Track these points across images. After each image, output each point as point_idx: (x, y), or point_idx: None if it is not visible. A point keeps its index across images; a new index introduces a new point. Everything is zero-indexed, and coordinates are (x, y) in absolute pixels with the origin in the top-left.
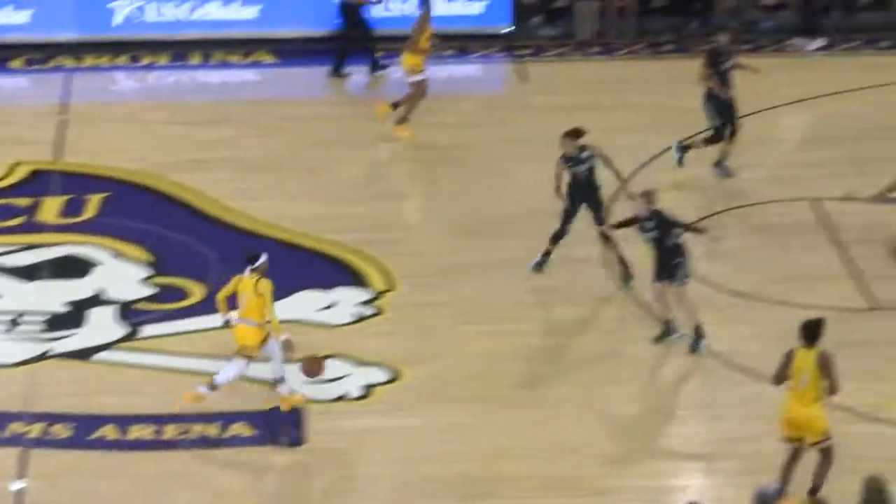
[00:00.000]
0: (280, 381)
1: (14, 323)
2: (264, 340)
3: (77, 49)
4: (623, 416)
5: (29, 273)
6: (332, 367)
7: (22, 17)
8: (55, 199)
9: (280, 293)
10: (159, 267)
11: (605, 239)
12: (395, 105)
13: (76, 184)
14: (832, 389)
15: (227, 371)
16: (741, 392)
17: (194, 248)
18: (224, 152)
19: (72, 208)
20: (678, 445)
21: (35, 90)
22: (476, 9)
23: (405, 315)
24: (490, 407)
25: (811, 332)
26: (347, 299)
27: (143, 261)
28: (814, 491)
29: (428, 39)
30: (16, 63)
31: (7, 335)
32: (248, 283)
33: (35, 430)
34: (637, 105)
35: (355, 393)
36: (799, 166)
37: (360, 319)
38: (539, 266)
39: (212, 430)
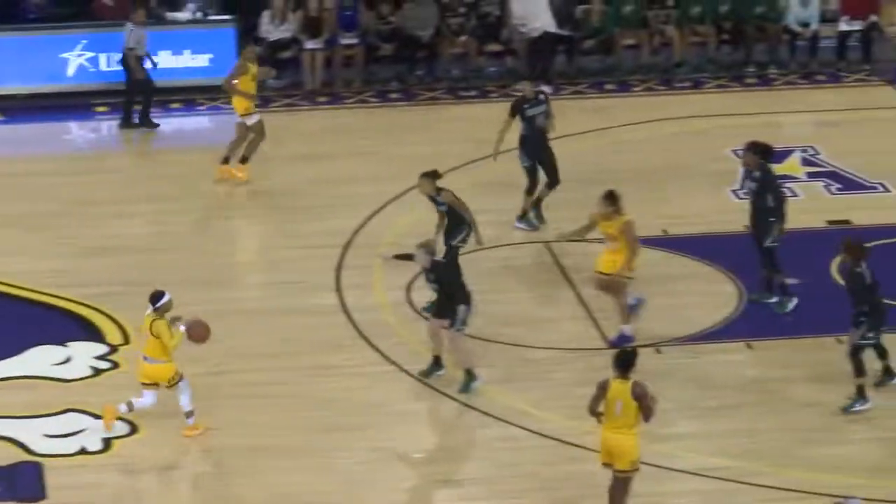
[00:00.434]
0: (189, 414)
1: None
2: (176, 380)
3: None
4: (355, 461)
5: None
6: (69, 422)
7: None
8: None
9: (14, 349)
10: None
11: None
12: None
13: None
14: (646, 417)
15: (145, 399)
16: (485, 434)
17: None
18: None
19: None
20: (419, 487)
21: None
22: (202, 61)
23: None
24: (228, 456)
25: (624, 362)
26: (83, 353)
27: None
28: None
29: (253, 79)
30: None
31: None
32: (147, 323)
33: None
34: (366, 153)
35: (94, 447)
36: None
37: (97, 373)
38: None
39: None
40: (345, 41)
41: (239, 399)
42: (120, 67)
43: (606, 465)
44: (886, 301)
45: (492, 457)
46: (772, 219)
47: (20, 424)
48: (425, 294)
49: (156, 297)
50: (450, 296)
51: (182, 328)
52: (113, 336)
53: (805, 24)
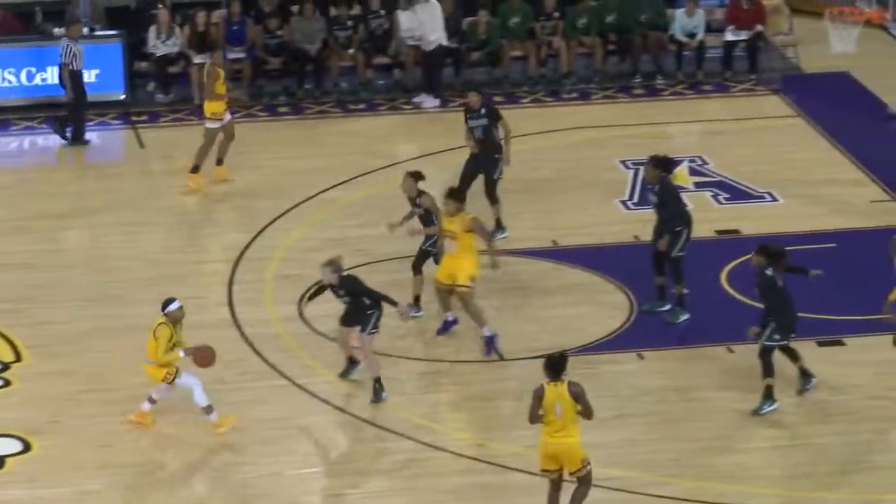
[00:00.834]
0: (207, 410)
1: None
2: (171, 377)
3: None
4: (250, 477)
5: None
6: None
7: None
8: None
9: None
10: None
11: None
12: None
13: None
14: (587, 415)
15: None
16: (379, 447)
17: None
18: None
19: None
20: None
21: None
22: (90, 76)
23: (33, 385)
24: (123, 472)
25: (556, 366)
26: None
27: None
28: None
29: (223, 85)
30: None
31: None
32: (153, 326)
33: None
34: (256, 167)
35: None
36: None
37: None
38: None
39: None
40: (232, 55)
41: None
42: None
43: (546, 471)
44: None
45: (387, 470)
46: (678, 228)
47: None
48: (322, 308)
49: (166, 303)
50: (361, 306)
51: (182, 354)
52: (4, 353)
53: (691, 35)
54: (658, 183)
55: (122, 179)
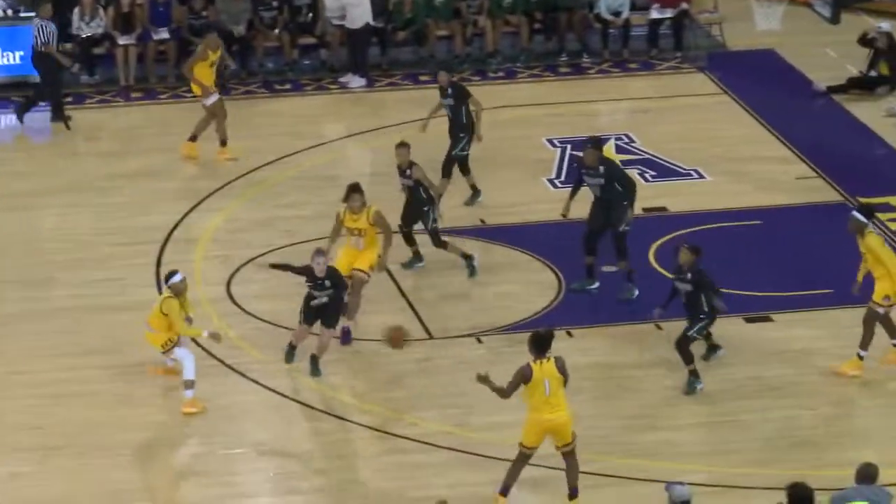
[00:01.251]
0: (189, 385)
1: None
2: (170, 346)
3: None
4: (181, 456)
5: None
6: None
7: None
8: None
9: None
10: None
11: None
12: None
13: None
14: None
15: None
16: (309, 427)
17: None
18: None
19: None
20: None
21: None
22: (14, 58)
23: None
24: (53, 455)
25: (542, 343)
26: None
27: None
28: (573, 494)
29: (211, 66)
30: None
31: None
32: (159, 300)
33: None
34: (179, 148)
35: None
36: None
37: None
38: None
39: None
40: (157, 36)
41: (62, 398)
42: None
43: (526, 447)
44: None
45: (318, 449)
46: (625, 202)
47: None
48: (247, 288)
49: (168, 276)
50: (338, 300)
51: (205, 334)
52: None
53: (616, 13)
54: (601, 164)
55: (48, 161)
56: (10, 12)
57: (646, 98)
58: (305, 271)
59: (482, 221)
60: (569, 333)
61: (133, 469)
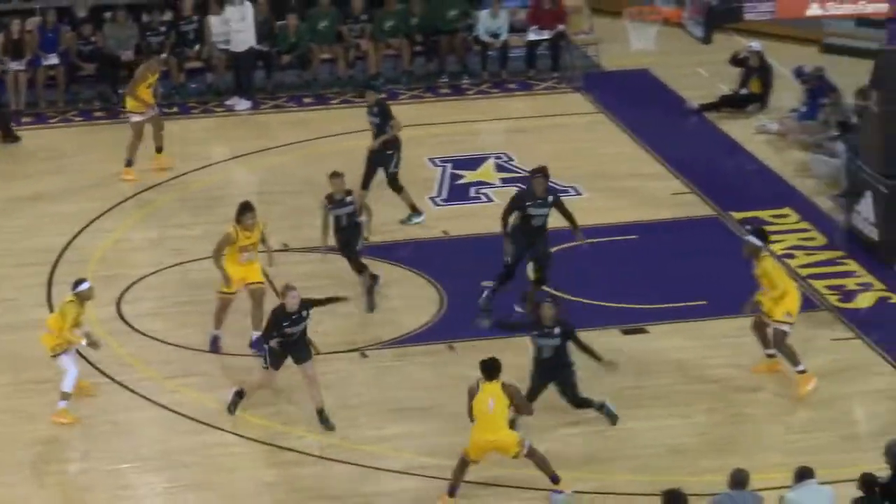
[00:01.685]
0: (64, 396)
1: None
2: (58, 351)
3: None
4: (71, 473)
5: None
6: None
7: None
8: None
9: None
10: None
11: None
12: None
13: None
14: (526, 410)
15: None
16: (198, 440)
17: None
18: None
19: None
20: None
21: None
22: None
23: None
24: None
25: (492, 368)
26: None
27: None
28: (554, 480)
29: (148, 87)
30: None
31: None
32: (61, 303)
33: None
34: (73, 171)
35: None
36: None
37: None
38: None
39: None
40: (47, 62)
41: None
42: None
43: (472, 460)
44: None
45: (204, 462)
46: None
47: None
48: (137, 307)
49: (76, 283)
50: (305, 331)
51: (84, 343)
52: None
53: (495, 35)
54: (550, 194)
55: None
56: None
57: (524, 118)
58: (278, 313)
59: (366, 239)
60: (451, 346)
61: (24, 485)
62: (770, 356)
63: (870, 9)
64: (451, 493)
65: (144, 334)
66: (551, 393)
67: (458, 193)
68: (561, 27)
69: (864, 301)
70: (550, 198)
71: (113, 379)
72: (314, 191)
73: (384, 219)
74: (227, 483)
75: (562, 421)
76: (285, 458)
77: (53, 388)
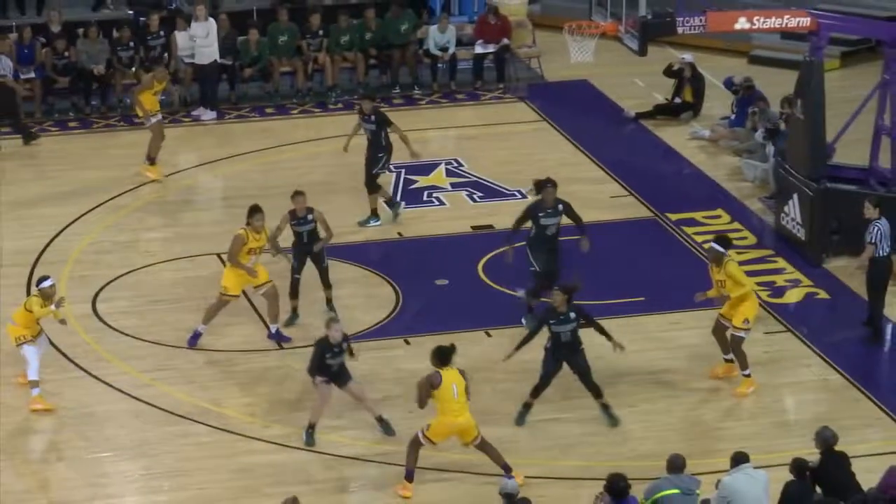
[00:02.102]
0: (33, 384)
1: None
2: (22, 342)
3: None
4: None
5: None
6: None
7: None
8: None
9: None
10: None
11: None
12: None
13: None
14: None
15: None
16: (170, 431)
17: None
18: None
19: None
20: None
21: None
22: None
23: None
24: None
25: (445, 356)
26: None
27: None
28: (506, 469)
29: (154, 94)
30: None
31: None
32: (27, 300)
33: None
34: (49, 178)
35: None
36: (207, 224)
37: None
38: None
39: None
40: (24, 76)
41: None
42: None
43: (433, 443)
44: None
45: (177, 452)
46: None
47: None
48: (111, 305)
49: (39, 280)
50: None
51: (54, 307)
52: None
53: (444, 49)
54: (559, 202)
55: None
56: None
57: (472, 126)
58: (322, 344)
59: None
60: (406, 342)
61: (4, 474)
62: (728, 361)
63: (793, 23)
64: (409, 477)
65: (119, 331)
66: (504, 386)
67: (412, 197)
68: (505, 41)
69: (792, 296)
70: (560, 206)
71: (89, 373)
72: (272, 195)
73: (338, 222)
74: (198, 470)
75: (511, 409)
76: (252, 447)
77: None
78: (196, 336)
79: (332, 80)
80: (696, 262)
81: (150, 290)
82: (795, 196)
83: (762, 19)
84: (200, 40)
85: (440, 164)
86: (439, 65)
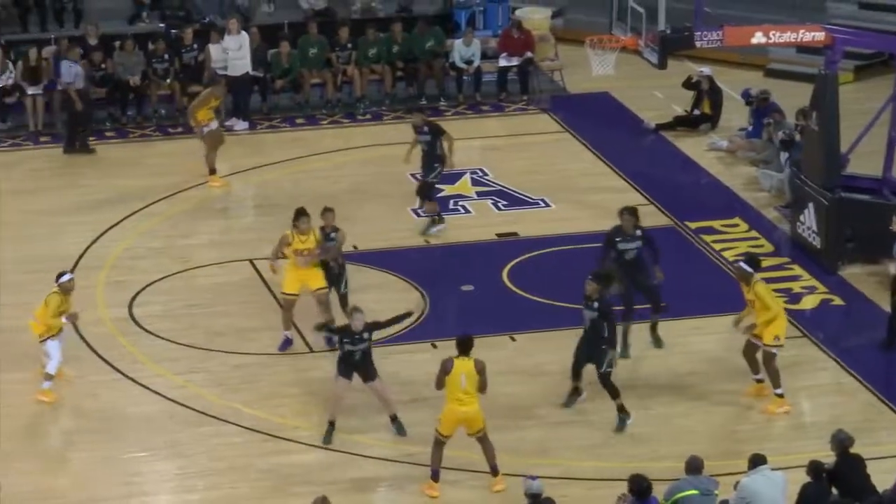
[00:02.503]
0: (48, 377)
1: None
2: (45, 337)
3: None
4: (89, 461)
5: None
6: None
7: None
8: None
9: None
10: None
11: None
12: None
13: None
14: (484, 388)
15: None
16: (203, 431)
17: None
18: None
19: None
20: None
21: None
22: None
23: None
24: None
25: (466, 344)
26: None
27: None
28: (495, 471)
29: (210, 109)
30: None
31: None
32: (47, 295)
33: None
34: (86, 186)
35: None
36: (238, 231)
37: None
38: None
39: None
40: (62, 87)
41: None
42: None
43: (443, 435)
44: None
45: (210, 452)
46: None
47: None
48: (147, 310)
49: (59, 275)
50: (370, 354)
51: (64, 320)
52: None
53: (469, 62)
54: (637, 228)
55: None
56: None
57: (497, 136)
58: (343, 329)
59: (355, 247)
60: (433, 345)
61: (43, 473)
62: (758, 381)
63: (808, 37)
64: (434, 477)
65: (154, 334)
66: (521, 388)
67: (439, 205)
68: (529, 54)
69: (808, 303)
70: (638, 232)
71: (126, 375)
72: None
73: (367, 229)
74: (229, 469)
75: (533, 412)
76: (282, 447)
77: (68, 383)
78: (286, 342)
79: (361, 91)
80: (715, 269)
81: (184, 294)
82: (811, 205)
83: (778, 34)
84: (233, 53)
85: (465, 173)
86: (464, 77)
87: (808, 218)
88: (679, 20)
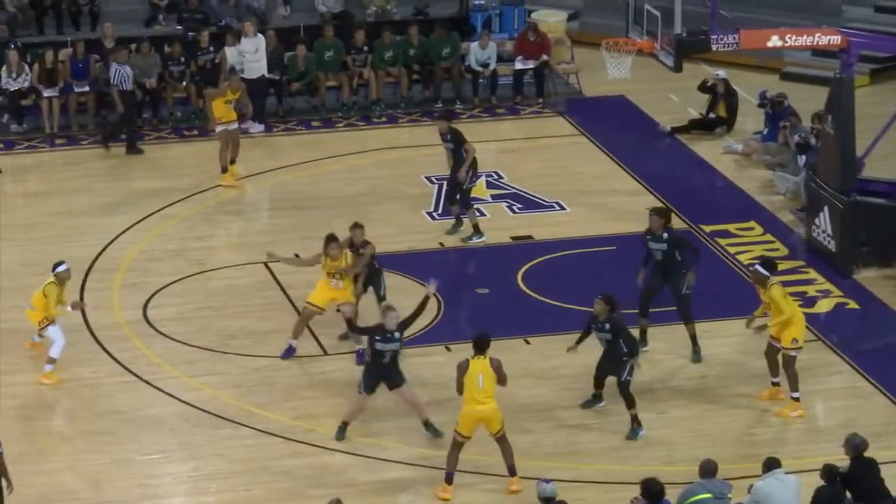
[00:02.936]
0: (51, 360)
1: None
2: (45, 324)
3: None
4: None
5: None
6: None
7: None
8: None
9: None
10: None
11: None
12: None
13: None
14: (503, 381)
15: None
16: (217, 434)
17: None
18: None
19: None
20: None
21: None
22: None
23: None
24: None
25: (482, 344)
26: None
27: None
28: (512, 471)
29: (226, 102)
30: None
31: None
32: (43, 284)
33: None
34: (102, 188)
35: None
36: (253, 234)
37: None
38: None
39: None
40: (78, 89)
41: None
42: None
43: (462, 435)
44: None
45: (224, 454)
46: (684, 270)
47: None
48: (161, 312)
49: (55, 265)
50: (397, 359)
51: (70, 309)
52: None
53: (485, 65)
54: (665, 231)
55: None
56: None
57: (512, 139)
58: (375, 328)
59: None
60: (447, 348)
61: (59, 474)
62: (775, 384)
63: (824, 41)
64: (449, 480)
65: (169, 337)
66: (540, 390)
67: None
68: (545, 57)
69: (823, 306)
70: (665, 234)
71: (140, 377)
72: (318, 206)
73: (383, 231)
74: (243, 472)
75: (548, 416)
76: (296, 449)
77: (89, 386)
78: (289, 350)
79: (377, 94)
80: (729, 272)
81: (199, 297)
82: (826, 208)
83: (794, 37)
84: (249, 55)
85: (481, 176)
86: (480, 80)
87: (824, 221)
88: (695, 23)
